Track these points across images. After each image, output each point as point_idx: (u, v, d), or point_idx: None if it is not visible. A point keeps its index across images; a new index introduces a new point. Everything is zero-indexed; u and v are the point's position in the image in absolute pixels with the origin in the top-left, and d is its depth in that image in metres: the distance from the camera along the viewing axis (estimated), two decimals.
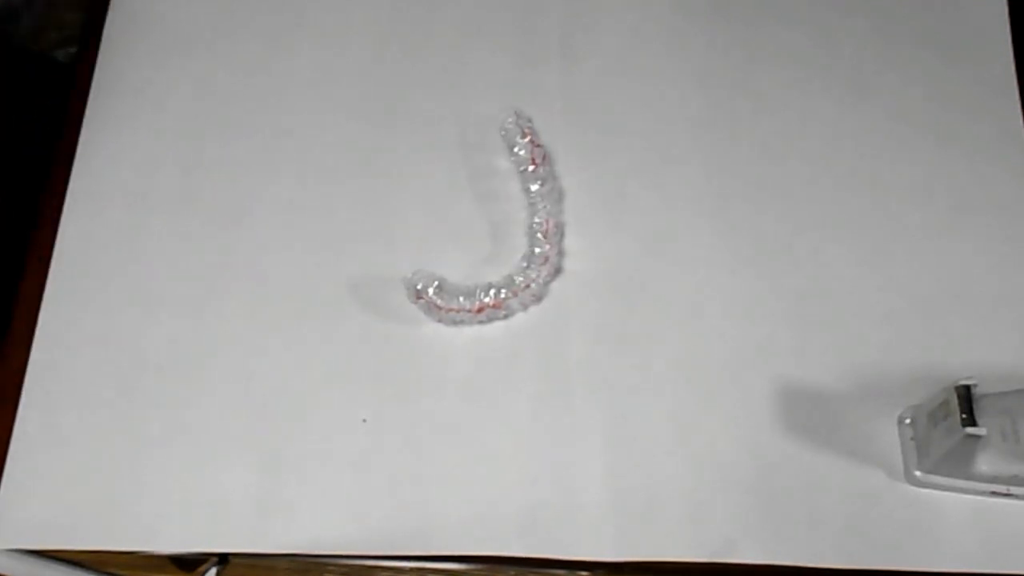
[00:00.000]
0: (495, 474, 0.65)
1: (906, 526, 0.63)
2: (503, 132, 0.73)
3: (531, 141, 0.71)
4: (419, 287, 0.67)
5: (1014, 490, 0.63)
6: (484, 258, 0.72)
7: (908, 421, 0.65)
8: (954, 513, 0.64)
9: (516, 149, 0.71)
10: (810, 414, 0.67)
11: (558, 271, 0.71)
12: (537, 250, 0.69)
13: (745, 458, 0.65)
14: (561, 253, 0.71)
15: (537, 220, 0.69)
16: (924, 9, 0.80)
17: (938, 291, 0.71)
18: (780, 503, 0.64)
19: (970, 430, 0.57)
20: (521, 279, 0.68)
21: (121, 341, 0.69)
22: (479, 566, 0.64)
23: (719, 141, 0.76)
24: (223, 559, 0.64)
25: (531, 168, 0.71)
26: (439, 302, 0.67)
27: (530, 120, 0.73)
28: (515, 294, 0.67)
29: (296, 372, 0.68)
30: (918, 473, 0.64)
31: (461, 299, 0.67)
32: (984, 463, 0.62)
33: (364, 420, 0.67)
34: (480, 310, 0.67)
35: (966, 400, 0.58)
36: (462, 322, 0.69)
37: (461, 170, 0.75)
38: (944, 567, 0.62)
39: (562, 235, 0.71)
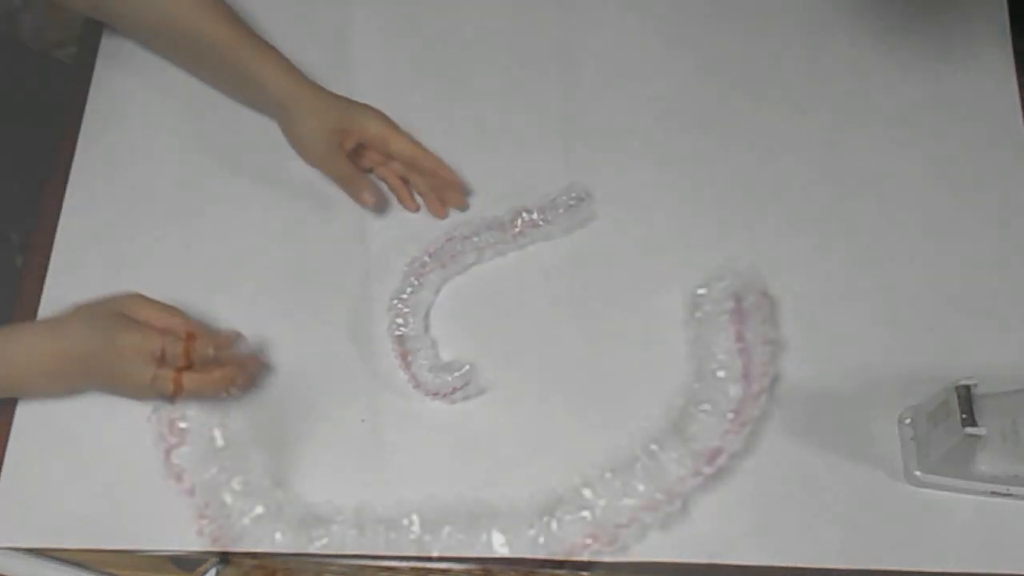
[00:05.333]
0: (495, 474, 0.65)
1: (906, 526, 0.63)
2: None
3: None
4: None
5: (1014, 490, 0.63)
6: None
7: (908, 421, 0.65)
8: (954, 513, 0.64)
9: None
10: (810, 414, 0.67)
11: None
12: None
13: (745, 458, 0.65)
14: None
15: None
16: (924, 9, 0.80)
17: (938, 291, 0.70)
18: (780, 503, 0.64)
19: (970, 430, 0.57)
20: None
21: None
22: (478, 566, 0.64)
23: (719, 141, 0.76)
24: (223, 559, 0.64)
25: None
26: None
27: None
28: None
29: (295, 371, 0.68)
30: (918, 473, 0.64)
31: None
32: (984, 463, 0.62)
33: (363, 420, 0.67)
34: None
35: (966, 400, 0.58)
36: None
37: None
38: (944, 567, 0.62)
39: None
